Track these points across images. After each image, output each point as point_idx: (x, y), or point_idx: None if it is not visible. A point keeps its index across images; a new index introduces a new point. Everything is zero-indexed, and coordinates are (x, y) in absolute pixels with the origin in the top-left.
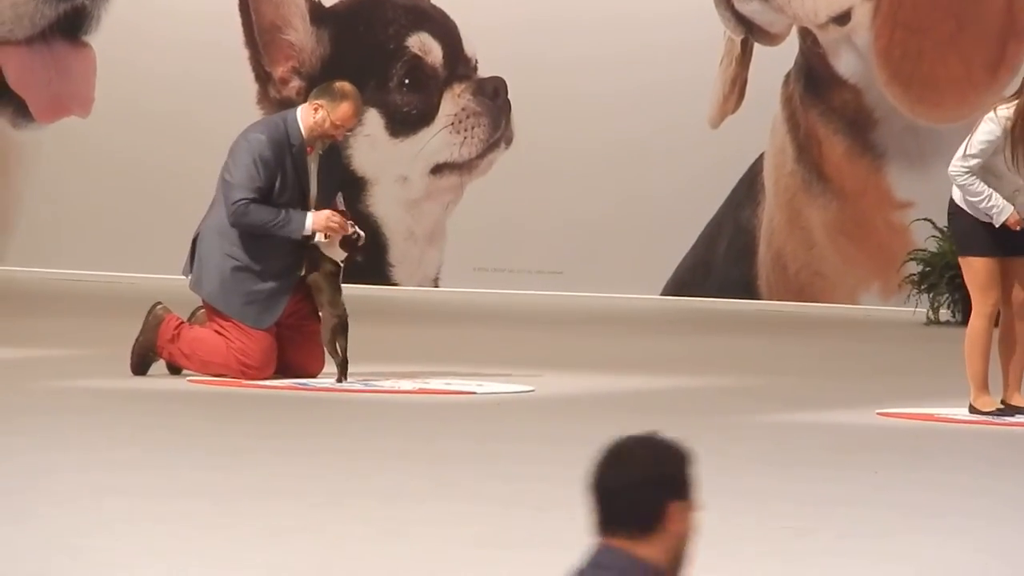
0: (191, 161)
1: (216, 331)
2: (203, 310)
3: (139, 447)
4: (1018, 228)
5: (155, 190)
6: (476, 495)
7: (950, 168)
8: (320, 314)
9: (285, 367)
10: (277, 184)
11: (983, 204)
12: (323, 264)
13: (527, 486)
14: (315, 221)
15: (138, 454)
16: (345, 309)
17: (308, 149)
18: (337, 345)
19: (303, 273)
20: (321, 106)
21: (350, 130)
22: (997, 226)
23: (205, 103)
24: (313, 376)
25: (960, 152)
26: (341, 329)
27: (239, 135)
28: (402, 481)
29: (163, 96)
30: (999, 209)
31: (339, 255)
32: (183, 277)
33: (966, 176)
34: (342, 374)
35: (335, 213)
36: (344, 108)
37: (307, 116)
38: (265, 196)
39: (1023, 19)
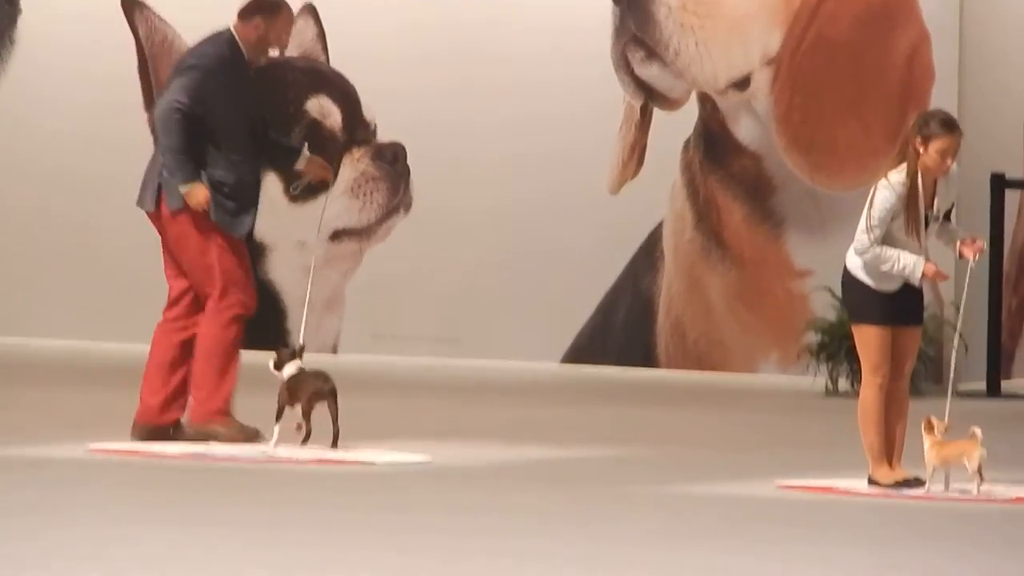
0: (88, 220)
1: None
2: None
3: (37, 517)
4: (940, 279)
5: (53, 249)
6: (373, 566)
7: (855, 245)
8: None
9: None
10: (223, 104)
11: (896, 268)
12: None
13: (424, 558)
14: (195, 190)
15: (35, 525)
16: (325, 378)
17: (249, 64)
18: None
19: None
20: (258, 24)
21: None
22: (916, 283)
23: (103, 162)
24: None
25: (862, 225)
26: (321, 396)
27: (190, 50)
28: (298, 552)
29: (61, 155)
30: (912, 266)
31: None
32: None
33: (872, 248)
34: (335, 443)
35: (209, 199)
36: (284, 17)
37: (248, 34)
38: (206, 112)
39: (923, 85)
